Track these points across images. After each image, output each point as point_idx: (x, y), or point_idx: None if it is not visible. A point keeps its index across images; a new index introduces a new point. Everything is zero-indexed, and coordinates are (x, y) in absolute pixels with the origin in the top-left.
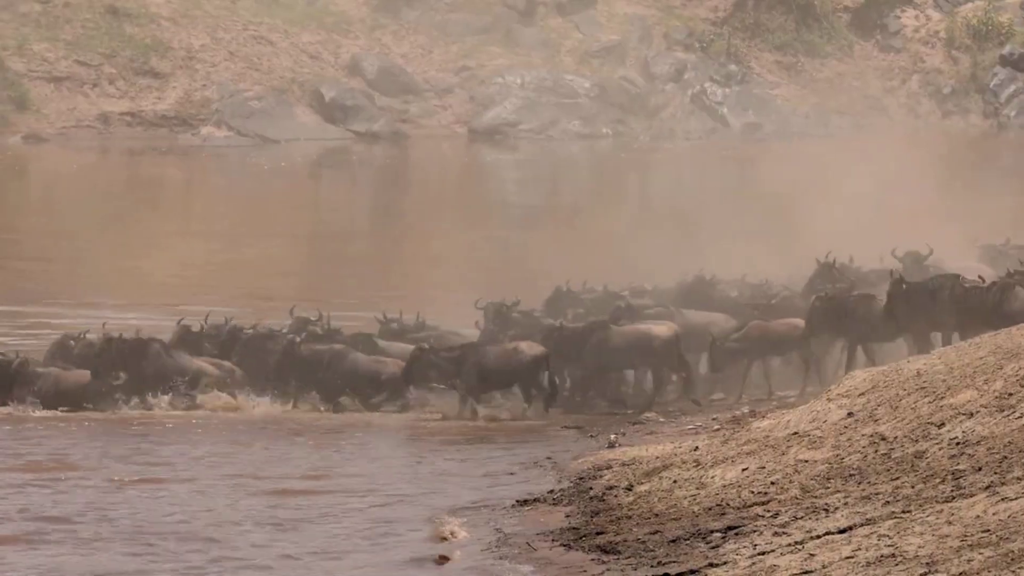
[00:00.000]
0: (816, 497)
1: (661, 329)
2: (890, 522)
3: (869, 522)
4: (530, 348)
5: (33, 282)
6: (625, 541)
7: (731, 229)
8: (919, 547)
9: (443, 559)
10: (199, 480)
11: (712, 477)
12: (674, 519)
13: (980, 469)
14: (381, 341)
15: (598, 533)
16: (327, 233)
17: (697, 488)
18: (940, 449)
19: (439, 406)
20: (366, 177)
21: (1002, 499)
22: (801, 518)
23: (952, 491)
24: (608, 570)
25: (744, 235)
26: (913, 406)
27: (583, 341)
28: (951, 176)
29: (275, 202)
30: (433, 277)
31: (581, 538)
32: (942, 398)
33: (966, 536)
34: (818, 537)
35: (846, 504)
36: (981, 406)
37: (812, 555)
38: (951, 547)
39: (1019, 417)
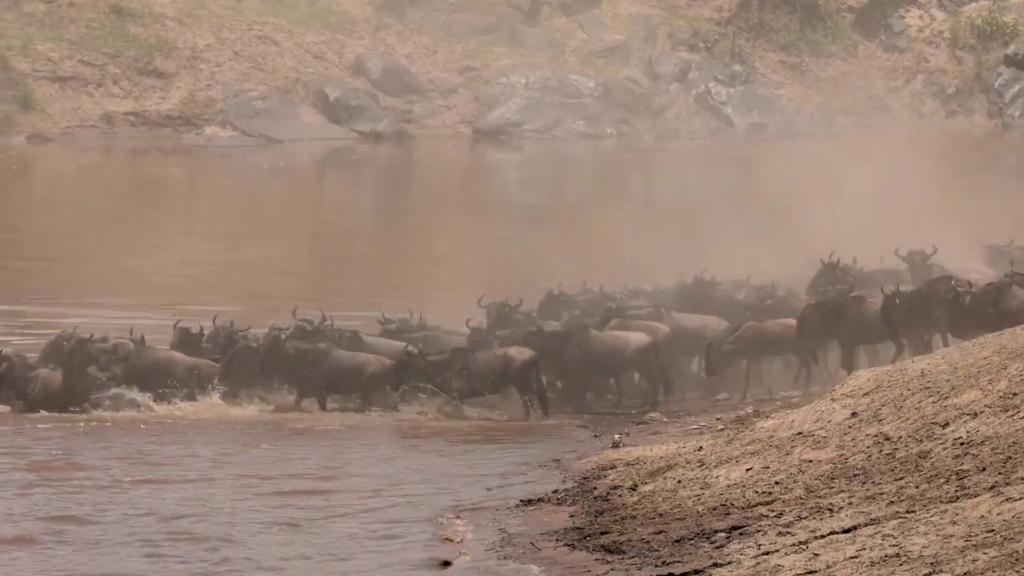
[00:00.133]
0: (820, 497)
1: (637, 336)
2: (894, 522)
3: (873, 522)
4: (519, 353)
5: (35, 281)
6: (629, 541)
7: (735, 229)
8: (923, 547)
9: (445, 564)
10: (205, 480)
11: (716, 477)
12: (678, 519)
13: (984, 469)
14: (368, 338)
15: (602, 533)
16: (330, 233)
17: (701, 488)
18: (944, 449)
19: (429, 408)
20: (370, 177)
21: (1006, 499)
22: (805, 518)
23: (956, 491)
24: (612, 570)
25: (748, 235)
26: (917, 406)
27: (562, 345)
28: (955, 176)
29: (278, 202)
30: (436, 277)
31: (585, 538)
32: (946, 398)
33: (970, 536)
34: (822, 537)
35: (850, 504)
36: (985, 406)
37: (816, 555)
38: (955, 547)
39: (1023, 417)
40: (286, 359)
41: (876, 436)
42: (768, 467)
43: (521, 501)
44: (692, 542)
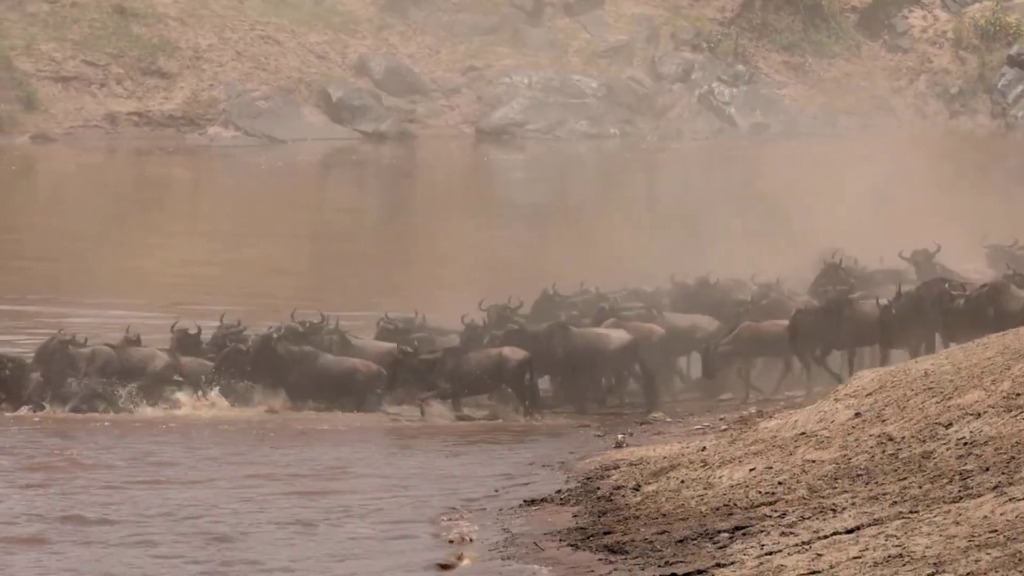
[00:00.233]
0: (823, 497)
1: (617, 334)
2: (897, 522)
3: (876, 522)
4: (514, 353)
5: (37, 281)
6: (632, 541)
7: (738, 229)
8: (926, 547)
9: (446, 567)
10: (210, 481)
11: (719, 477)
12: (681, 519)
13: (987, 469)
14: (355, 340)
15: (605, 533)
16: (331, 233)
17: (704, 488)
18: (947, 449)
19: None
20: (372, 177)
21: (1010, 499)
22: (808, 518)
23: (959, 491)
24: (615, 570)
25: (751, 235)
26: (920, 406)
27: (544, 344)
28: (958, 176)
29: (279, 202)
30: (438, 277)
31: (588, 538)
32: (949, 398)
33: (973, 536)
34: (825, 537)
35: (853, 504)
36: (988, 406)
37: (819, 555)
38: (958, 547)
39: None
40: (277, 361)
41: (879, 436)
42: (771, 467)
43: (525, 501)
44: (695, 542)
